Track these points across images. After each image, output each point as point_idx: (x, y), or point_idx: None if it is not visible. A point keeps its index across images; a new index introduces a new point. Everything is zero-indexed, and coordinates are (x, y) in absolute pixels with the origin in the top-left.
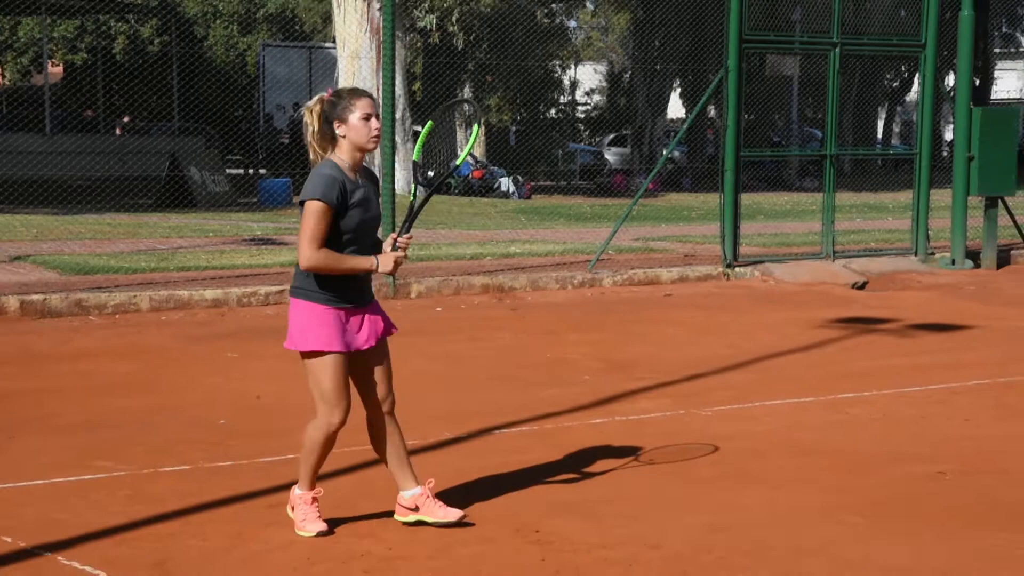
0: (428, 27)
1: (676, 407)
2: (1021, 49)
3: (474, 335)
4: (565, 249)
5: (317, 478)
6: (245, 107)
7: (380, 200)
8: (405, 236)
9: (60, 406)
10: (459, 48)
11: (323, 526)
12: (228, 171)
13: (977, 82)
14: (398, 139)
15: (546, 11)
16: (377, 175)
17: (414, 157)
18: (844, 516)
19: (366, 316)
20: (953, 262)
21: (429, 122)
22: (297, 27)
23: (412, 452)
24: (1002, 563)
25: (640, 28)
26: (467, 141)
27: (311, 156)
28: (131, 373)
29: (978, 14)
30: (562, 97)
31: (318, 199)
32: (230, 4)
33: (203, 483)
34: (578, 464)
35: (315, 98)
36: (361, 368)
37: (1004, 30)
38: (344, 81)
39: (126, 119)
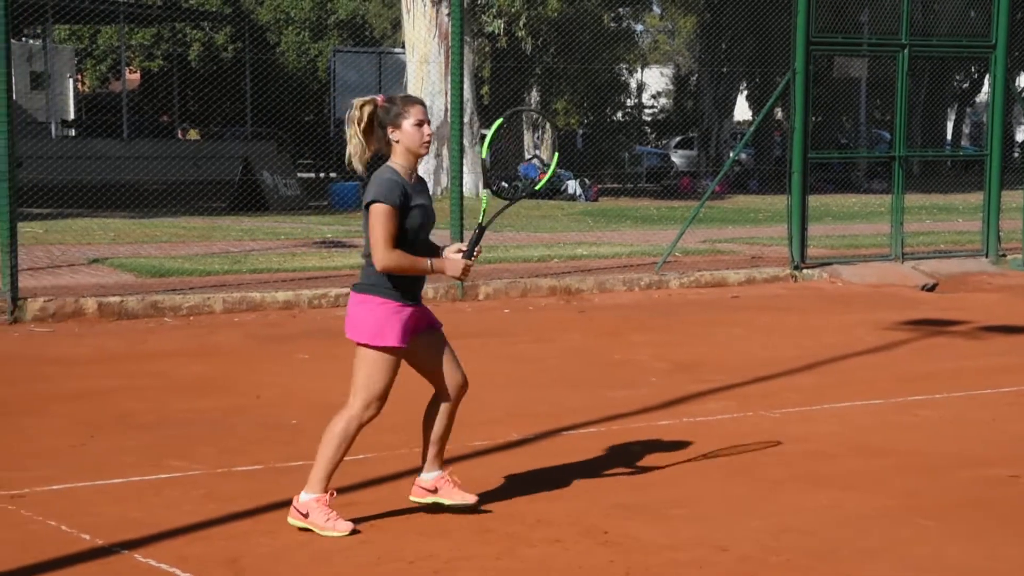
0: (496, 32)
1: (743, 409)
2: None
3: (541, 336)
4: (632, 251)
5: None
6: (316, 112)
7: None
8: (476, 247)
9: (136, 406)
10: (527, 52)
11: (351, 525)
12: (299, 175)
13: None
14: (466, 143)
15: (613, 15)
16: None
17: (482, 155)
18: (913, 518)
19: (420, 311)
20: None
21: (499, 120)
22: (367, 33)
23: (480, 453)
24: None
25: (707, 31)
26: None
27: (351, 150)
28: (204, 374)
29: None
30: (629, 100)
31: (382, 201)
32: (302, 11)
33: (275, 482)
34: (645, 466)
35: (367, 98)
36: (426, 352)
37: None
38: (413, 86)
39: (189, 129)
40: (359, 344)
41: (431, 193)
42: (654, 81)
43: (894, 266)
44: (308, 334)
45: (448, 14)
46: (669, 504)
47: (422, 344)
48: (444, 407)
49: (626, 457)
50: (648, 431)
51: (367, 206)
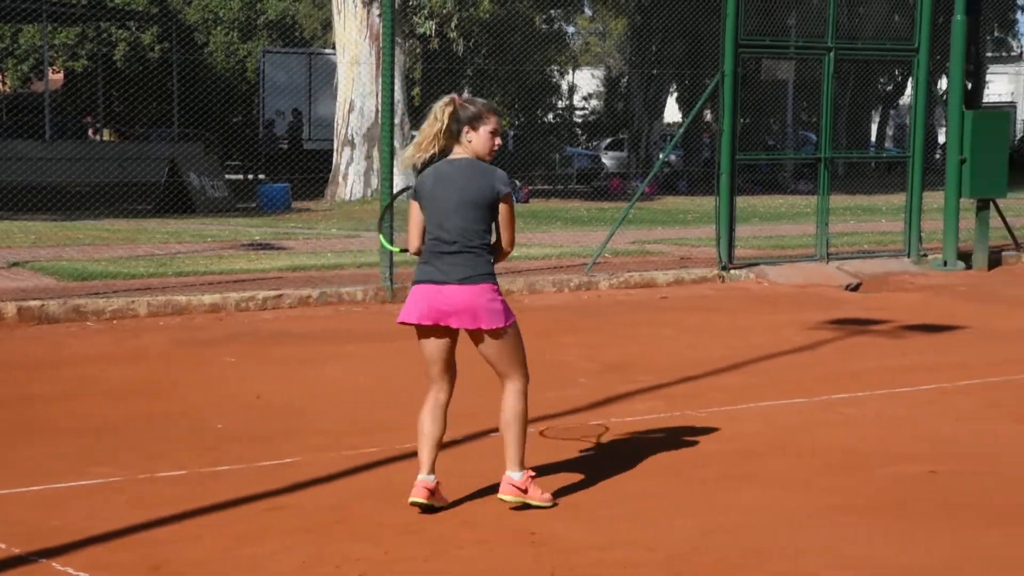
0: (427, 33)
1: (671, 409)
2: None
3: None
4: (562, 252)
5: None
6: (245, 113)
7: None
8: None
9: (57, 412)
10: (458, 54)
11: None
12: (227, 176)
13: (969, 86)
14: (397, 144)
15: (544, 17)
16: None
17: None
18: (839, 516)
19: None
20: (945, 263)
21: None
22: (297, 33)
23: (409, 455)
24: (995, 561)
25: (637, 33)
26: None
27: (421, 150)
28: (128, 378)
29: (970, 18)
30: (560, 102)
31: (511, 190)
32: (231, 11)
33: (200, 488)
34: (574, 466)
35: (447, 97)
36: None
37: (996, 34)
38: (343, 87)
39: (101, 129)
40: (497, 328)
41: (364, 195)
42: (585, 83)
43: (819, 266)
44: (235, 337)
45: (379, 15)
46: (597, 504)
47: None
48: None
49: (555, 458)
50: (577, 432)
51: (501, 196)
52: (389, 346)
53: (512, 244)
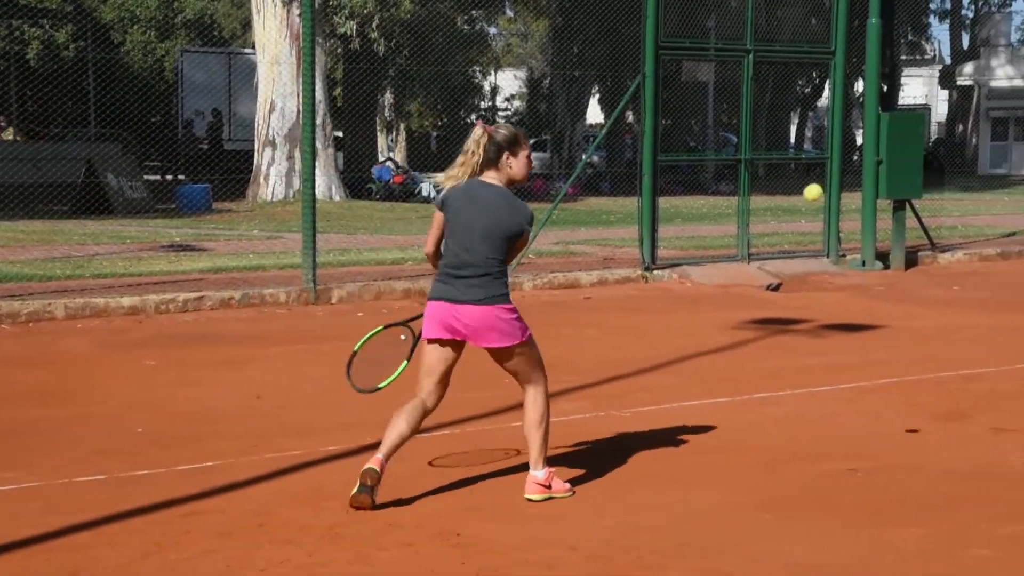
0: (348, 33)
1: (595, 409)
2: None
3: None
4: None
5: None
6: (163, 113)
7: None
8: None
9: None
10: (380, 54)
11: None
12: (146, 177)
13: (885, 88)
14: (319, 145)
15: (466, 18)
16: None
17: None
18: (759, 514)
19: None
20: (863, 263)
21: (377, 329)
22: (216, 33)
23: (334, 457)
24: (912, 557)
25: (559, 35)
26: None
27: (460, 173)
28: (45, 382)
29: (884, 22)
30: (483, 103)
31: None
32: (148, 10)
33: (119, 492)
34: (498, 467)
35: (479, 129)
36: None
37: (910, 38)
38: (264, 87)
39: (4, 127)
40: (512, 346)
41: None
42: (507, 84)
43: (741, 267)
44: (155, 340)
45: (299, 15)
46: (521, 505)
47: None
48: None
49: (479, 459)
50: (502, 432)
51: (525, 232)
52: (312, 348)
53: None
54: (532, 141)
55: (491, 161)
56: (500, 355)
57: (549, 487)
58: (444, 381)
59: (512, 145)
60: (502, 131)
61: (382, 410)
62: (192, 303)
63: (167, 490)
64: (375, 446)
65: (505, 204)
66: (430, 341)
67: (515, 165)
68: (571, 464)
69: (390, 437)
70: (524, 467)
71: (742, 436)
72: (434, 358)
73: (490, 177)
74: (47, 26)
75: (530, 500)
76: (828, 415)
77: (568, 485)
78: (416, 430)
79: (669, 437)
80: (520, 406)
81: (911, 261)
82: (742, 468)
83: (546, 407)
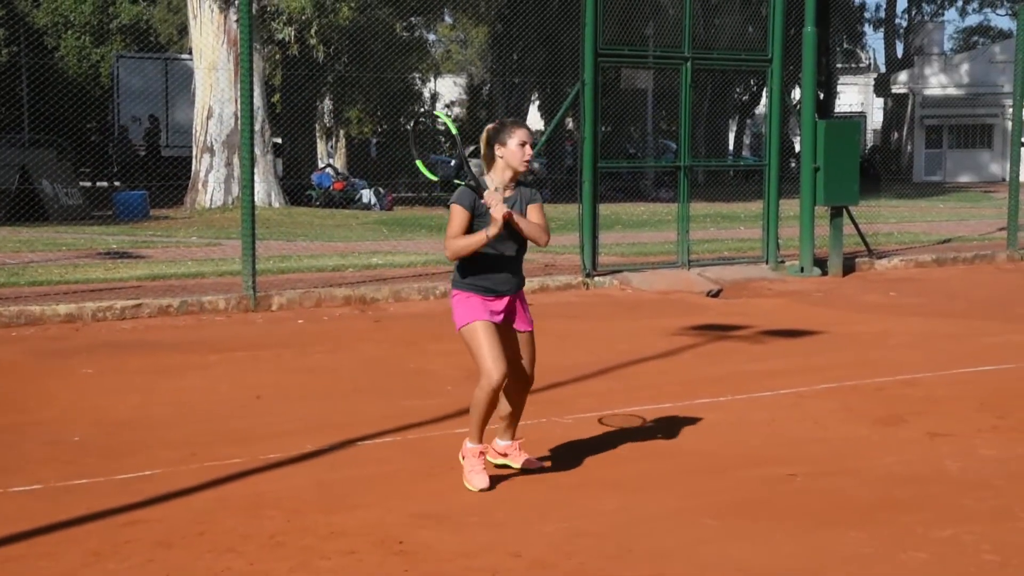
0: (287, 39)
1: (538, 415)
2: (861, 64)
3: (336, 347)
4: (427, 260)
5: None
6: (99, 119)
7: (526, 207)
8: (493, 193)
9: None
10: (319, 60)
11: (486, 482)
12: (81, 184)
13: (821, 96)
14: (257, 151)
15: (405, 24)
16: (532, 189)
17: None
18: (701, 519)
19: (503, 304)
20: (802, 270)
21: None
22: (152, 38)
23: (273, 465)
24: (853, 560)
25: (498, 42)
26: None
27: (485, 171)
28: None
29: (820, 30)
30: (422, 109)
31: (454, 202)
32: (82, 15)
33: (56, 502)
34: (441, 474)
35: (484, 135)
36: (504, 344)
37: (845, 46)
38: (202, 93)
39: None
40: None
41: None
42: (447, 90)
43: (681, 273)
44: (92, 348)
45: (236, 20)
46: (464, 512)
47: (504, 336)
48: (511, 395)
49: (423, 466)
50: (445, 440)
51: (448, 206)
52: (252, 355)
53: (445, 248)
54: (472, 148)
55: (490, 158)
56: None
57: (463, 458)
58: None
59: (501, 137)
60: (499, 126)
61: (320, 418)
62: (130, 311)
63: (106, 499)
64: (315, 453)
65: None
66: None
67: (505, 154)
68: (512, 471)
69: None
70: (468, 475)
71: (684, 441)
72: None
73: (487, 175)
74: None
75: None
76: (768, 420)
77: (481, 481)
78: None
79: (611, 443)
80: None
81: (849, 267)
82: (685, 473)
83: (476, 397)
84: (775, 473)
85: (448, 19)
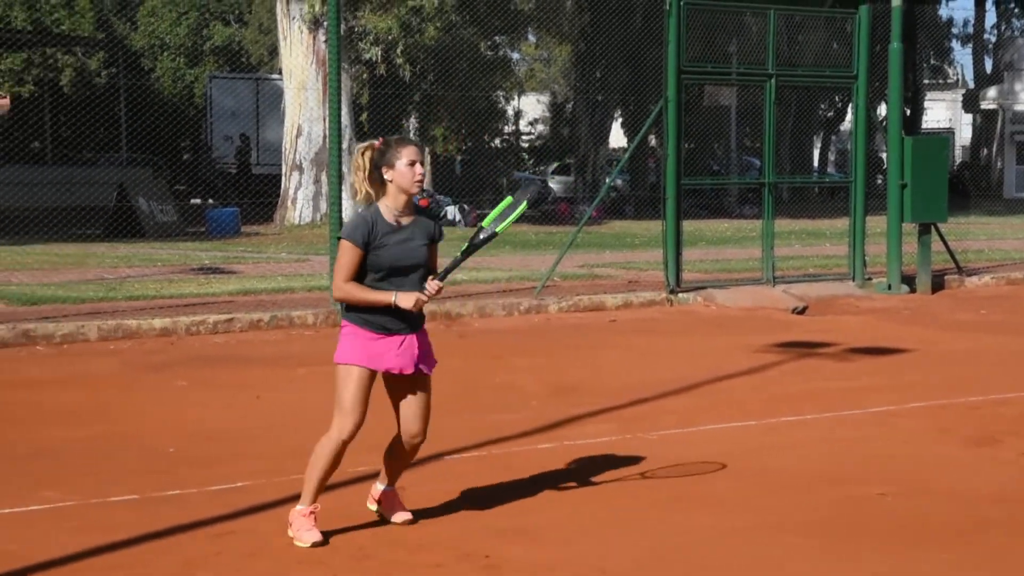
0: (374, 59)
1: (622, 432)
2: (949, 80)
3: None
4: (511, 276)
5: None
6: (193, 138)
7: (427, 244)
8: (436, 282)
9: (7, 436)
10: (405, 79)
11: (319, 536)
12: (192, 200)
13: (908, 112)
14: (344, 169)
15: (489, 43)
16: (433, 221)
17: (495, 230)
18: (786, 537)
19: (397, 343)
20: (889, 287)
21: (509, 198)
22: (244, 59)
23: (362, 479)
24: None
25: (581, 60)
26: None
27: (358, 197)
28: (79, 403)
29: (907, 47)
30: (506, 127)
31: (344, 237)
32: (177, 37)
33: (151, 513)
34: (526, 489)
35: (366, 144)
36: (393, 390)
37: (933, 62)
38: (291, 112)
39: None
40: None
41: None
42: (531, 108)
43: (765, 290)
44: (186, 361)
45: (325, 41)
46: (548, 526)
47: (392, 381)
48: (399, 445)
49: (507, 481)
50: (529, 455)
51: (339, 239)
52: (329, 371)
53: (334, 290)
54: (556, 165)
55: (378, 182)
56: None
57: (291, 524)
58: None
59: (388, 159)
60: (384, 147)
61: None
62: (222, 325)
63: (198, 510)
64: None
65: None
66: None
67: (395, 178)
68: (598, 485)
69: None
70: (558, 489)
71: (769, 459)
72: None
73: (380, 201)
74: (80, 54)
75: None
76: (856, 439)
77: (311, 537)
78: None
79: (695, 460)
80: (549, 427)
81: (937, 285)
82: (770, 491)
83: (319, 448)
84: (863, 492)
85: (532, 38)
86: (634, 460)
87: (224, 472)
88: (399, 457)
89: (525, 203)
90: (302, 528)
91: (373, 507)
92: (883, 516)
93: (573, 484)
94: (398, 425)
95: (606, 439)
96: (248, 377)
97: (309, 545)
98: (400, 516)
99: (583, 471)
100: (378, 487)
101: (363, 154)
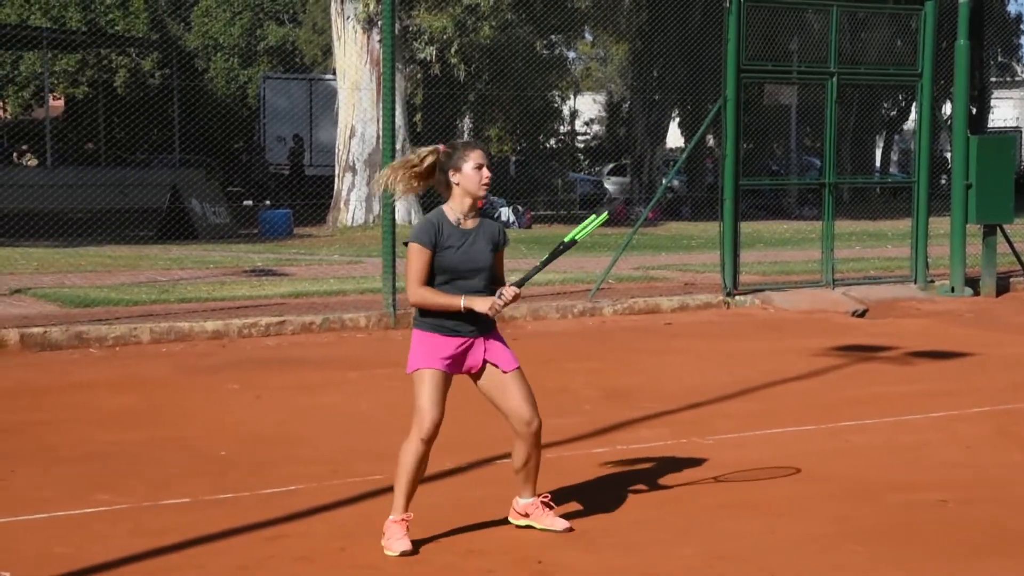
0: (428, 59)
1: (677, 436)
2: (1017, 78)
3: None
4: (565, 278)
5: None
6: (246, 139)
7: (492, 249)
8: (513, 288)
9: (61, 439)
10: (459, 79)
11: (408, 545)
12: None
13: (974, 110)
14: None
15: (545, 42)
16: (498, 225)
17: (574, 237)
18: (847, 544)
19: (470, 344)
20: (952, 290)
21: (604, 214)
22: (298, 59)
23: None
24: None
25: (638, 59)
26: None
27: (399, 188)
28: (132, 405)
29: (973, 43)
30: (562, 127)
31: (412, 240)
32: (231, 37)
33: (204, 516)
34: (579, 494)
35: (431, 148)
36: (487, 388)
37: (1000, 59)
38: (344, 112)
39: (26, 153)
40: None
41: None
42: (587, 108)
43: (825, 292)
44: (238, 364)
45: (379, 40)
46: (603, 532)
47: (483, 380)
48: (517, 442)
49: (560, 485)
50: (582, 459)
51: (406, 244)
52: (392, 372)
53: (408, 295)
54: (612, 165)
55: (444, 185)
56: None
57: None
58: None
59: (455, 162)
60: (451, 151)
61: (462, 434)
62: (274, 327)
63: (251, 513)
64: (454, 471)
65: None
66: None
67: (461, 181)
68: (653, 490)
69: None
70: (612, 494)
71: (828, 465)
72: None
73: (445, 204)
74: (134, 55)
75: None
76: (917, 444)
77: (402, 547)
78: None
79: (752, 465)
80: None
81: (1002, 287)
82: (829, 497)
83: (402, 455)
84: (924, 499)
85: (588, 37)
86: (690, 465)
87: (276, 475)
88: (527, 457)
89: (606, 214)
90: (393, 537)
91: (521, 523)
92: (945, 524)
93: (627, 489)
94: (512, 426)
95: (661, 443)
96: (300, 380)
97: (397, 554)
98: (559, 524)
99: (637, 476)
100: (520, 502)
101: (424, 158)
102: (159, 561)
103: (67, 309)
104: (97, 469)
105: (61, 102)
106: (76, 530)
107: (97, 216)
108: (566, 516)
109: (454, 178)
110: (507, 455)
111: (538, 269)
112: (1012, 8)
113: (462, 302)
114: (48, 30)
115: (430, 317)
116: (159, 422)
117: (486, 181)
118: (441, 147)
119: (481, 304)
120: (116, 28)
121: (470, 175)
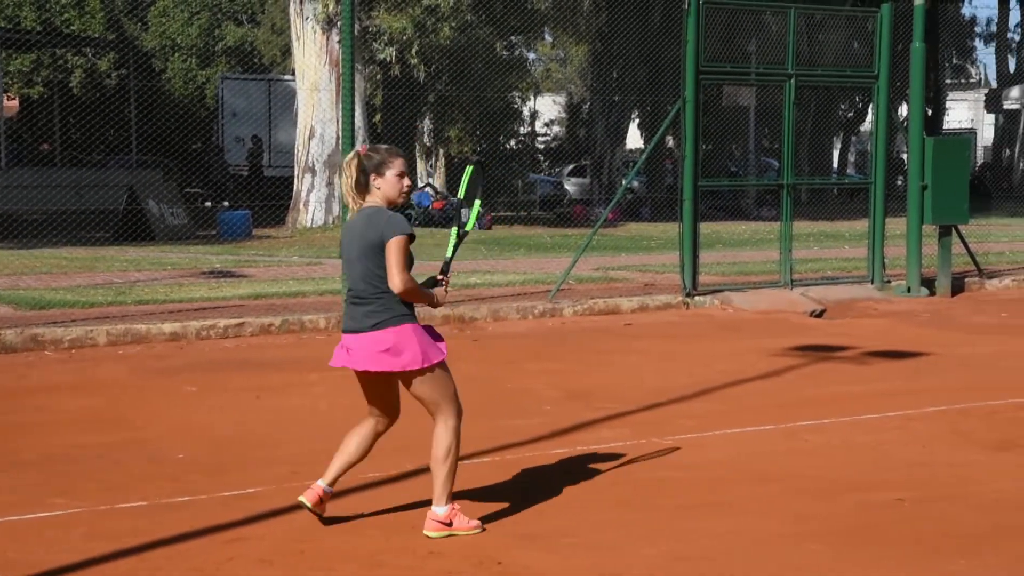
0: (388, 59)
1: (637, 436)
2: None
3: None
4: (526, 279)
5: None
6: (204, 139)
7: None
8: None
9: (15, 442)
10: (419, 80)
11: (477, 521)
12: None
13: (929, 112)
14: None
15: (505, 44)
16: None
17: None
18: (806, 544)
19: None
20: (909, 290)
21: (469, 167)
22: (256, 60)
23: (373, 484)
24: None
25: (598, 60)
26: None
27: (350, 204)
28: (88, 408)
29: (929, 46)
30: (522, 128)
31: (404, 232)
32: (188, 38)
33: (161, 519)
34: (540, 495)
35: (352, 152)
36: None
37: (955, 61)
38: (304, 113)
39: None
40: (415, 370)
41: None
42: (547, 109)
43: (783, 292)
44: (196, 366)
45: (339, 41)
46: (563, 533)
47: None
48: (372, 438)
49: (520, 486)
50: (543, 460)
51: (386, 241)
52: (352, 374)
53: (399, 284)
54: (572, 166)
55: (363, 187)
56: (403, 380)
57: (450, 524)
58: (387, 407)
59: (378, 167)
60: (373, 155)
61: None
62: (233, 329)
63: (209, 517)
64: (414, 473)
65: (363, 222)
66: (357, 376)
67: (382, 186)
68: (613, 491)
69: (336, 463)
70: (573, 494)
71: (787, 464)
72: (364, 389)
73: (376, 203)
74: (90, 55)
75: (428, 537)
76: (874, 443)
77: (476, 522)
78: (366, 453)
79: (712, 465)
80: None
81: (958, 287)
82: (789, 497)
83: (452, 442)
84: (882, 498)
85: (548, 38)
86: (650, 465)
87: (235, 478)
88: (364, 451)
89: (470, 168)
90: (463, 523)
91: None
92: (902, 522)
93: (588, 490)
94: (384, 417)
95: (621, 444)
96: (259, 382)
97: (481, 531)
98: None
99: (598, 476)
100: (440, 511)
101: (349, 164)
102: (114, 566)
103: (22, 311)
104: (52, 473)
105: (16, 102)
106: (30, 534)
107: (53, 217)
108: (526, 517)
109: (375, 182)
110: (471, 456)
111: (451, 259)
112: (967, 11)
113: (436, 300)
114: (2, 29)
115: (410, 309)
116: (116, 425)
117: (406, 190)
118: (361, 148)
119: (442, 296)
120: (72, 28)
121: (392, 182)
